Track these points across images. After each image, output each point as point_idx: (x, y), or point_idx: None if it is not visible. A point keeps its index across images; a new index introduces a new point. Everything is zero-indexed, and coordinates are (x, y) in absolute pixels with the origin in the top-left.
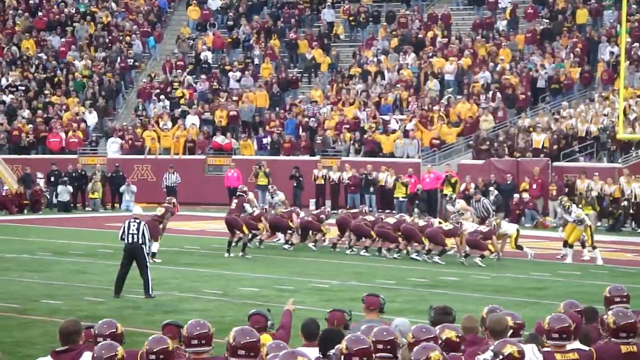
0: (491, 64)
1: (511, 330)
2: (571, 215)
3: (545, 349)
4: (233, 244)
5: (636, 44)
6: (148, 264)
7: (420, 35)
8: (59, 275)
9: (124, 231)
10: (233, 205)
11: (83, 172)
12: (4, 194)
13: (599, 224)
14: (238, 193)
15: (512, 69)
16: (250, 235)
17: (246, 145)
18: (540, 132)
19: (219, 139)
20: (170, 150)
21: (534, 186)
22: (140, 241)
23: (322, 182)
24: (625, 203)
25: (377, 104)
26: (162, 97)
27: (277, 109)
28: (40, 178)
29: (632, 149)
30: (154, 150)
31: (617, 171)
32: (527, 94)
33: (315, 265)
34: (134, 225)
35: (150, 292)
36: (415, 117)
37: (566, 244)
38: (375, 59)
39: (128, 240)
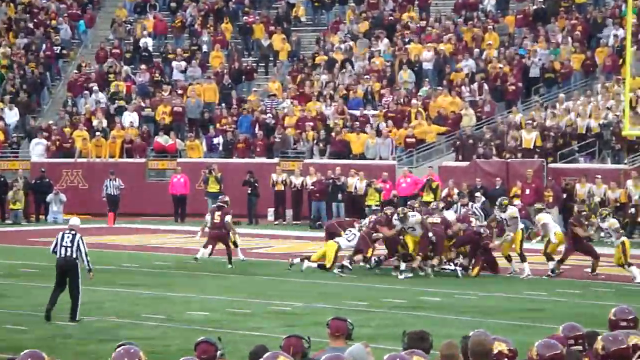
0: (476, 50)
1: (505, 359)
2: (505, 213)
3: None
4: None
5: None
6: (80, 284)
7: (393, 18)
8: None
9: (56, 244)
10: (217, 219)
11: (2, 179)
12: None
13: (602, 234)
14: (219, 204)
15: (501, 55)
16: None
17: (193, 146)
18: (531, 130)
19: (161, 139)
20: (105, 152)
21: (527, 191)
22: (74, 255)
23: (282, 188)
24: (633, 210)
25: (345, 97)
26: (95, 90)
27: (229, 104)
28: None
29: None
30: (85, 152)
31: (622, 173)
32: (518, 84)
33: (276, 285)
34: (68, 237)
35: (77, 317)
36: (390, 113)
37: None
38: (342, 46)
39: (61, 254)
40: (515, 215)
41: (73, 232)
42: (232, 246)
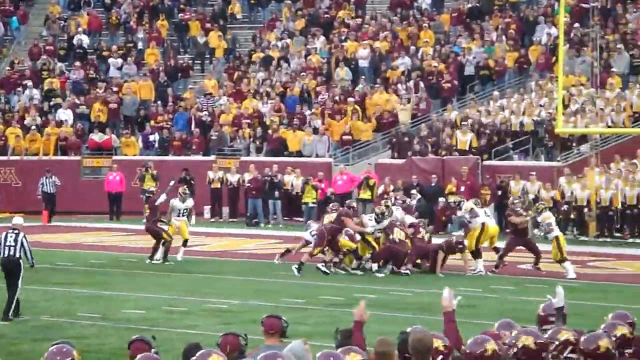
0: (412, 48)
1: (440, 356)
2: (540, 216)
3: None
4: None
5: (577, 24)
6: (20, 284)
7: (329, 16)
8: None
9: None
10: (147, 211)
11: None
12: None
13: (535, 231)
14: (147, 195)
15: (436, 53)
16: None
17: (129, 143)
18: (467, 132)
19: (96, 136)
20: (39, 149)
21: (462, 188)
22: (17, 255)
23: (219, 185)
24: (566, 207)
25: (281, 95)
26: (28, 87)
27: (165, 101)
28: None
29: (574, 145)
30: (19, 150)
31: (555, 171)
32: (454, 82)
33: (212, 283)
34: (11, 237)
35: (10, 315)
36: (326, 110)
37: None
38: (278, 43)
39: (4, 254)
40: (549, 220)
41: (16, 231)
42: (168, 243)
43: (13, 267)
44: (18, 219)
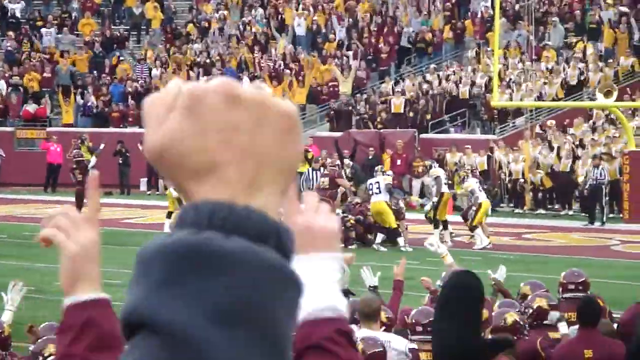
0: (350, 20)
1: (383, 327)
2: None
3: (411, 346)
4: None
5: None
6: None
7: None
8: None
9: None
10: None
11: None
12: None
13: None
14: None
15: (374, 25)
16: None
17: (67, 109)
18: (400, 96)
19: (30, 107)
20: None
21: (398, 162)
22: None
23: None
24: (503, 177)
25: (220, 64)
26: None
27: (101, 72)
28: None
29: (509, 118)
30: None
31: (492, 143)
32: (392, 55)
33: None
34: None
35: None
36: (263, 82)
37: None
38: (216, 15)
39: None
40: (471, 188)
41: None
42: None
43: None
44: None
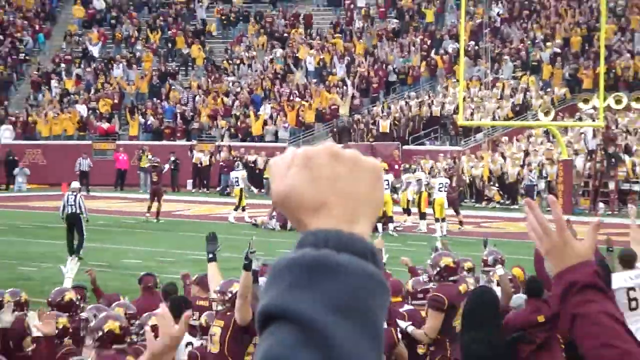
0: (348, 58)
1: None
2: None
3: (409, 308)
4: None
5: (472, 42)
6: (84, 231)
7: (285, 33)
8: None
9: (63, 205)
10: (155, 177)
11: None
12: None
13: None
14: (153, 164)
15: (367, 62)
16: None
17: (133, 125)
18: (386, 119)
19: (104, 125)
20: (60, 130)
21: (396, 167)
22: (78, 211)
23: (199, 164)
24: (467, 180)
25: (249, 92)
26: (53, 87)
27: (158, 97)
28: None
29: (471, 133)
30: (45, 135)
31: (459, 153)
32: (381, 83)
33: (194, 240)
34: (71, 198)
35: (80, 253)
36: (282, 104)
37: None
38: (246, 54)
39: (69, 211)
40: (409, 181)
41: (75, 193)
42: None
43: (75, 220)
44: (75, 184)
